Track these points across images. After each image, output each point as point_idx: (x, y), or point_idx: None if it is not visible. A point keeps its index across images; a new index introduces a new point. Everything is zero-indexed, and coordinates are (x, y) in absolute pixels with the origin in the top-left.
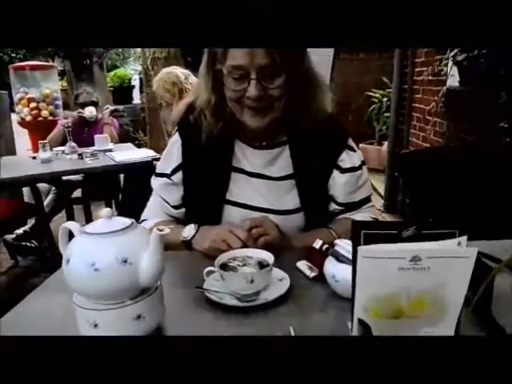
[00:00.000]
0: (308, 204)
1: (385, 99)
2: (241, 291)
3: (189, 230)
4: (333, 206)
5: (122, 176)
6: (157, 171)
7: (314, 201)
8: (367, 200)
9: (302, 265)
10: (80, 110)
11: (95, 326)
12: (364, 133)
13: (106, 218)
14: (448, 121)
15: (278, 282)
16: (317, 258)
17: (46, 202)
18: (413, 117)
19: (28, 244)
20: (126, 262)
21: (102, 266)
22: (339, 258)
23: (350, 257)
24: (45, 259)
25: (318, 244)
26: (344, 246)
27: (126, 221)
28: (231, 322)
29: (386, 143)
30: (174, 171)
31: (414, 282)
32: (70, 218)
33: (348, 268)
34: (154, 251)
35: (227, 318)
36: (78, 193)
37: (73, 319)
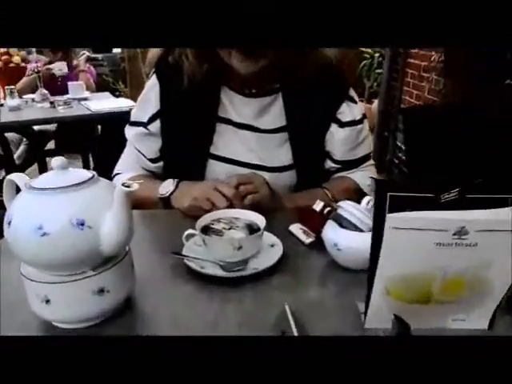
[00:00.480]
0: (301, 160)
1: (377, 55)
2: (226, 259)
3: (167, 186)
4: (329, 164)
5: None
6: (131, 119)
7: (308, 157)
8: (367, 157)
9: (296, 229)
10: (48, 65)
11: (47, 301)
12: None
13: (58, 170)
14: (446, 78)
15: (269, 249)
16: (314, 222)
17: (17, 154)
18: (407, 73)
19: None
20: (82, 224)
21: (53, 230)
22: (342, 223)
23: (356, 222)
24: None
25: (318, 206)
26: (348, 208)
27: (85, 173)
28: (214, 295)
29: (376, 101)
30: (151, 119)
31: (454, 260)
32: (43, 171)
33: (353, 235)
34: (119, 211)
35: (209, 290)
36: (52, 145)
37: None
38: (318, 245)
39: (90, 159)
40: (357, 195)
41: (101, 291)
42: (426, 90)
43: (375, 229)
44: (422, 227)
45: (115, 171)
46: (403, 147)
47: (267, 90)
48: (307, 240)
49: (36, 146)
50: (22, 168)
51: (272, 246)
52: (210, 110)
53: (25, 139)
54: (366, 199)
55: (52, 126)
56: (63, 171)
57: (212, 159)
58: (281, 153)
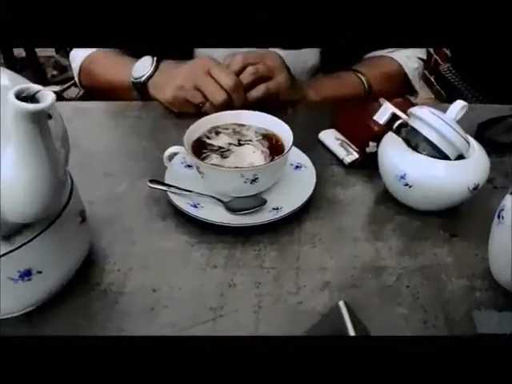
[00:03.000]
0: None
1: None
2: (232, 193)
3: (143, 67)
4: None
5: None
6: None
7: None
8: None
9: (329, 138)
10: None
11: None
12: None
13: None
14: None
15: (293, 173)
16: (359, 130)
17: None
18: None
19: None
20: None
21: None
22: (415, 144)
23: (439, 142)
24: None
25: (384, 115)
26: (427, 119)
27: None
28: (215, 251)
29: None
30: None
31: None
32: None
33: (433, 164)
34: (22, 151)
35: (204, 243)
36: None
37: None
38: (363, 164)
39: None
40: (400, 82)
41: (26, 274)
42: None
43: None
44: None
45: None
46: None
47: None
48: (347, 157)
49: None
50: None
51: (297, 167)
52: None
53: None
54: (456, 106)
55: None
56: None
57: None
58: None
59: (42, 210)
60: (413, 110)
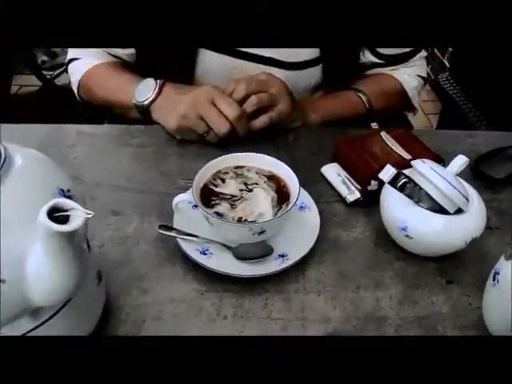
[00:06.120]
0: (332, 52)
1: None
2: (240, 241)
3: (145, 90)
4: (368, 57)
5: None
6: None
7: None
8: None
9: (332, 173)
10: None
11: None
12: None
13: None
14: None
15: (298, 214)
16: (362, 166)
17: None
18: None
19: None
20: None
21: None
22: (417, 198)
23: (439, 198)
24: None
25: (387, 173)
26: (428, 175)
27: None
28: (224, 300)
29: None
30: None
31: None
32: None
33: (434, 219)
34: (52, 258)
35: (213, 291)
36: None
37: None
38: (365, 202)
39: None
40: (400, 100)
41: None
42: None
43: None
44: None
45: (70, 55)
46: None
47: None
48: (350, 196)
49: None
50: None
51: (301, 207)
52: None
53: None
54: (458, 161)
55: None
56: None
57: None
58: None
59: (68, 295)
60: (415, 164)
